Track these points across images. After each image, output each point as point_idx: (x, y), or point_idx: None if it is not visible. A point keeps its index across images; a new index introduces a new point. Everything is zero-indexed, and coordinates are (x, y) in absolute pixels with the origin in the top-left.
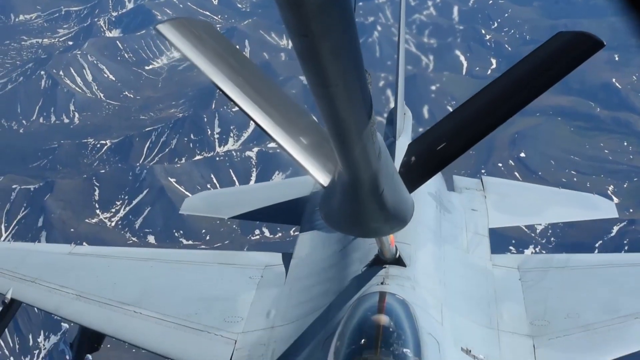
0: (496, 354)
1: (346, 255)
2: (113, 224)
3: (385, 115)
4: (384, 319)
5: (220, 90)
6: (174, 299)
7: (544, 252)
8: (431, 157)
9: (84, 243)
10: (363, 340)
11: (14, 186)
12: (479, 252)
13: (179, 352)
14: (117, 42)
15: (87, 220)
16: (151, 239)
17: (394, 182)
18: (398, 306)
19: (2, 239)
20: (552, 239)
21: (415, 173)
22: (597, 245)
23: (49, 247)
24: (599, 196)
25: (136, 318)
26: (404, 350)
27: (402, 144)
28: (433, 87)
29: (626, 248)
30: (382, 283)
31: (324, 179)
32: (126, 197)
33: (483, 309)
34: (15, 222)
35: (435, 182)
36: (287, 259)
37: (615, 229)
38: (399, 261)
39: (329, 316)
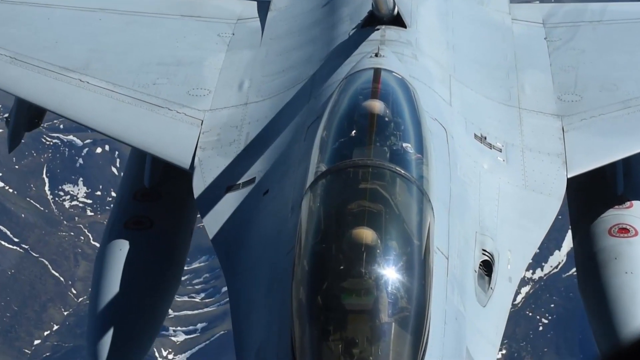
0: (517, 141)
1: (334, 9)
2: None
3: None
4: (377, 106)
5: None
6: (128, 63)
7: None
8: None
9: None
10: (353, 133)
11: None
12: (494, 2)
13: (133, 134)
14: None
15: None
16: None
17: None
18: (396, 87)
19: None
20: None
21: None
22: None
23: None
24: None
25: (82, 89)
26: (403, 145)
27: None
28: None
29: None
30: (376, 54)
31: None
32: None
33: (501, 80)
34: None
35: None
36: (263, 9)
37: None
38: (397, 20)
39: (312, 93)
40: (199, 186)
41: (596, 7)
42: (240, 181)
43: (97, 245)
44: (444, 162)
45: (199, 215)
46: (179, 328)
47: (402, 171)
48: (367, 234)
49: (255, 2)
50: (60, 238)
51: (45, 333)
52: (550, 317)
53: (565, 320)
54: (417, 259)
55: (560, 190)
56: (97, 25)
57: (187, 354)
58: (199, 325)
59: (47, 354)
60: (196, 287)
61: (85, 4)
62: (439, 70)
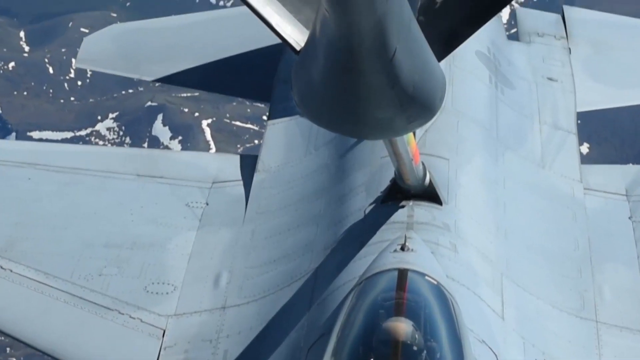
0: None
1: (344, 175)
2: None
3: None
4: (403, 329)
5: None
6: (65, 243)
7: None
8: None
9: None
10: None
11: None
12: (560, 165)
13: (70, 348)
14: None
15: None
16: None
17: (413, 38)
18: (429, 297)
19: None
20: None
21: (446, 23)
22: None
23: None
24: None
25: (3, 280)
26: None
27: None
28: None
29: None
30: (402, 247)
31: (297, 37)
32: None
33: (571, 279)
34: None
35: (487, 30)
36: (248, 168)
37: None
38: (429, 193)
39: (314, 297)
40: None
41: None
42: None
43: None
44: None
45: None
46: None
47: None
48: None
49: (238, 157)
50: None
51: None
52: None
53: None
54: None
55: None
56: (24, 187)
57: None
58: None
59: None
60: None
61: (8, 156)
62: (486, 268)
